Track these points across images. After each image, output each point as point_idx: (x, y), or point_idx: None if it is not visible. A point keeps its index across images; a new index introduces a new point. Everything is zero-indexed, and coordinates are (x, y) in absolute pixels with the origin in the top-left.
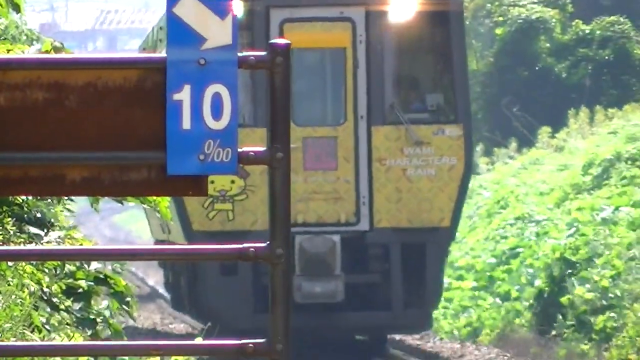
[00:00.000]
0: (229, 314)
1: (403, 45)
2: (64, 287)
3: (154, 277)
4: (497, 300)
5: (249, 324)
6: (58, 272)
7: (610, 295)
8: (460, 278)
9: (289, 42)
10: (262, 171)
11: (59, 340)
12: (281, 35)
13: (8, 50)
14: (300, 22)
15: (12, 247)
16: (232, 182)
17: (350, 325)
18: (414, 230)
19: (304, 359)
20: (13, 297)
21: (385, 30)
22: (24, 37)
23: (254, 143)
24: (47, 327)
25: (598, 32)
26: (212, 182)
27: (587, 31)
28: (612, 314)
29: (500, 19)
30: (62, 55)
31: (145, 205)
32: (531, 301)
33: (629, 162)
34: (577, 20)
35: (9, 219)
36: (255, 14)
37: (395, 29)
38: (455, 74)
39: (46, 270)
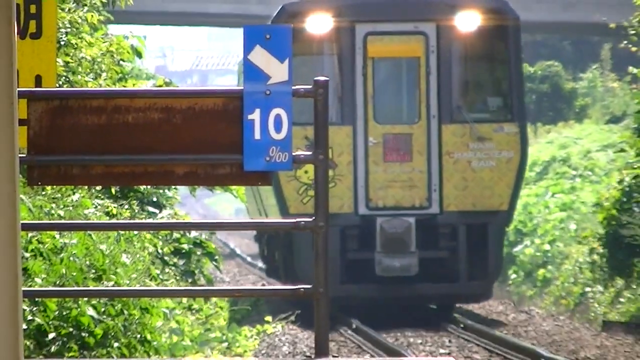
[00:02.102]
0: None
1: (468, 55)
2: (172, 249)
3: (233, 241)
4: None
5: (337, 293)
6: (168, 238)
7: (549, 254)
8: None
9: (327, 78)
10: (348, 163)
11: (169, 286)
12: (365, 46)
13: (133, 84)
14: (381, 35)
15: (137, 220)
16: None
17: (423, 295)
18: (478, 213)
19: (384, 324)
20: (137, 255)
21: (454, 42)
22: (144, 75)
23: (341, 139)
24: (161, 277)
25: (539, 72)
26: (306, 171)
27: (532, 71)
28: (550, 268)
29: None
30: (170, 88)
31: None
32: None
33: (561, 162)
34: (525, 64)
35: (135, 201)
36: (342, 29)
37: (461, 41)
38: (512, 79)
39: (160, 237)
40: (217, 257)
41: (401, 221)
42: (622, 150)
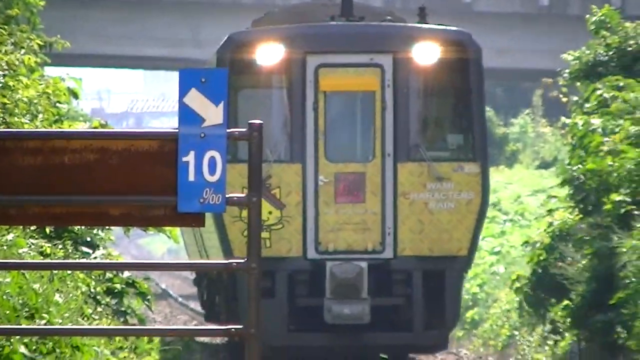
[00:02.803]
0: (265, 332)
1: (427, 89)
2: (105, 289)
3: (165, 282)
4: None
5: (284, 342)
6: (101, 278)
7: (478, 297)
8: None
9: (262, 122)
10: (297, 203)
11: (101, 325)
12: (316, 79)
13: (69, 126)
14: (334, 67)
15: (70, 260)
16: (270, 212)
17: (375, 345)
18: (435, 259)
19: None
20: (70, 295)
21: (411, 75)
22: (80, 118)
23: (290, 177)
24: (93, 316)
25: None
26: None
27: None
28: (478, 310)
29: None
30: (106, 130)
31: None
32: None
33: (492, 206)
34: None
35: (69, 241)
36: (293, 60)
37: (420, 74)
38: (473, 116)
39: (93, 277)
40: (149, 297)
41: (352, 266)
42: (552, 196)
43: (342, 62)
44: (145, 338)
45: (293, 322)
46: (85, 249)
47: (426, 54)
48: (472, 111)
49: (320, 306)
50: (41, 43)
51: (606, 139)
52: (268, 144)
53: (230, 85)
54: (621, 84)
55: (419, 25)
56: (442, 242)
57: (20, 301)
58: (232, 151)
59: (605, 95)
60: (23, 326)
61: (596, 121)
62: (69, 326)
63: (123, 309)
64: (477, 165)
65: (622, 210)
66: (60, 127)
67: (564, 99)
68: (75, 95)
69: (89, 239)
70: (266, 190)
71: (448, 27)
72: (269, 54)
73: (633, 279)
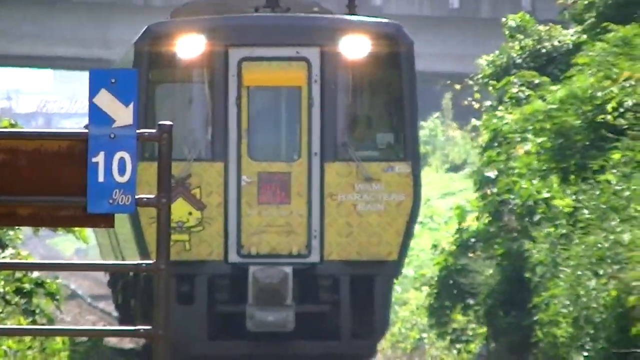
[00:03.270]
0: (184, 340)
1: (356, 85)
2: (14, 288)
3: (75, 282)
4: None
5: (204, 350)
6: (10, 277)
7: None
8: None
9: (172, 123)
10: (218, 204)
11: (10, 324)
12: (239, 73)
13: None
14: (258, 60)
15: None
16: (190, 214)
17: (300, 354)
18: (363, 263)
19: None
20: None
21: (339, 70)
22: None
23: (211, 177)
24: (2, 315)
25: None
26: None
27: None
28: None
29: None
30: (16, 129)
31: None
32: None
33: None
34: None
35: None
36: (214, 53)
37: (348, 69)
38: (405, 114)
39: (1, 277)
40: (58, 297)
41: (276, 270)
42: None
43: (267, 56)
44: (57, 338)
45: (213, 329)
46: None
47: (355, 47)
48: (403, 108)
49: (242, 313)
50: None
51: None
52: (188, 141)
53: (149, 79)
54: (536, 80)
55: (348, 17)
56: (371, 246)
57: None
58: (150, 149)
59: (520, 94)
60: None
61: (510, 117)
62: None
63: (32, 308)
64: (408, 165)
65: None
66: None
67: (476, 105)
68: None
69: None
70: (185, 190)
71: (378, 19)
72: (189, 46)
73: (538, 279)
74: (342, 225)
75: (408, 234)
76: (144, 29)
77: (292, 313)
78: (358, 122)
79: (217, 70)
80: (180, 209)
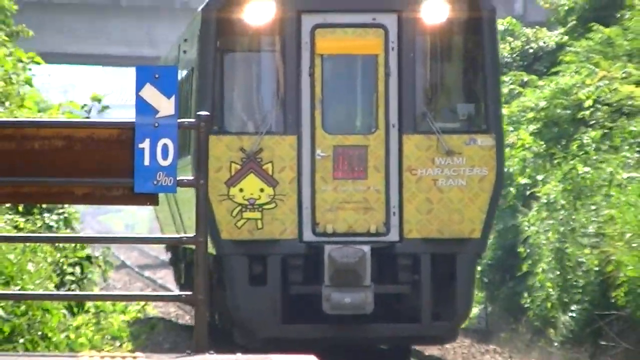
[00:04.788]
0: (256, 322)
1: (435, 53)
2: (69, 261)
3: (124, 254)
4: None
5: (277, 333)
6: (67, 249)
7: None
8: None
9: (209, 113)
10: (291, 180)
11: (68, 291)
12: (312, 41)
13: (40, 114)
14: (332, 27)
15: (43, 234)
16: (262, 190)
17: (378, 337)
18: (444, 241)
19: None
20: (41, 265)
21: (418, 37)
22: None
23: (283, 151)
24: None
25: None
26: (242, 190)
27: None
28: None
29: None
30: (72, 119)
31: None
32: None
33: None
34: None
35: (38, 217)
36: (286, 19)
37: (427, 36)
38: (487, 82)
39: (59, 249)
40: (105, 269)
41: (354, 250)
42: None
43: (341, 22)
44: (108, 303)
45: (287, 312)
46: (52, 223)
47: (435, 12)
48: (485, 77)
49: (317, 294)
50: (7, 38)
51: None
52: (258, 113)
53: (216, 46)
54: (525, 79)
55: None
56: (453, 223)
57: None
58: (219, 122)
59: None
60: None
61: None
62: (40, 292)
63: (86, 277)
64: (492, 138)
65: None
66: (28, 115)
67: None
68: (29, 84)
69: (56, 216)
70: (257, 166)
71: None
72: (259, 12)
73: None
74: (422, 202)
75: (491, 211)
76: None
77: (371, 294)
78: (437, 91)
79: (289, 37)
80: (251, 186)
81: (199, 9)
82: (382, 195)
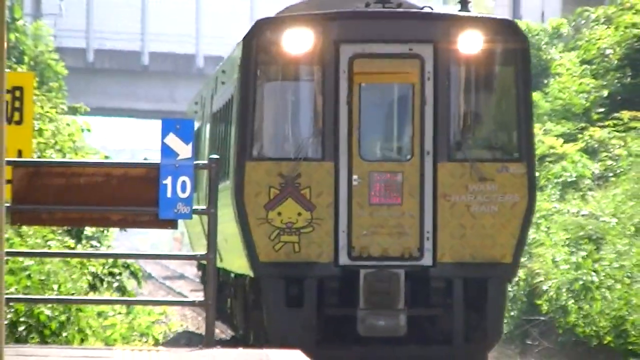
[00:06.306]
0: (291, 343)
1: (469, 82)
2: (107, 272)
3: (150, 268)
4: None
5: (312, 355)
6: (105, 263)
7: None
8: None
9: (217, 157)
10: (328, 204)
11: (105, 296)
12: (351, 70)
13: (83, 156)
14: (370, 57)
15: (88, 251)
16: (299, 214)
17: (410, 358)
18: (477, 266)
19: None
20: (83, 277)
21: (453, 67)
22: (92, 151)
23: (321, 176)
24: (100, 290)
25: None
26: (280, 213)
27: None
28: None
29: None
30: (109, 161)
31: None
32: None
33: None
34: None
35: (84, 238)
36: (325, 49)
37: (462, 66)
38: (520, 112)
39: (99, 263)
40: (139, 276)
41: (388, 273)
42: None
43: (379, 52)
44: (139, 307)
45: (322, 333)
46: (93, 242)
47: (470, 43)
48: (518, 107)
49: (352, 317)
50: (65, 109)
51: None
52: (296, 139)
53: (257, 74)
54: None
55: (461, 12)
56: (485, 248)
57: (43, 277)
58: (258, 148)
59: None
60: (46, 296)
61: None
62: (82, 297)
63: (122, 286)
64: (523, 166)
65: None
66: (78, 158)
67: None
68: (88, 129)
69: (96, 235)
70: (295, 190)
71: (492, 15)
72: (299, 41)
73: None
74: (455, 227)
75: (523, 236)
76: (253, 24)
77: (404, 317)
78: (471, 120)
79: (328, 66)
80: (289, 210)
81: (242, 38)
82: (416, 220)
